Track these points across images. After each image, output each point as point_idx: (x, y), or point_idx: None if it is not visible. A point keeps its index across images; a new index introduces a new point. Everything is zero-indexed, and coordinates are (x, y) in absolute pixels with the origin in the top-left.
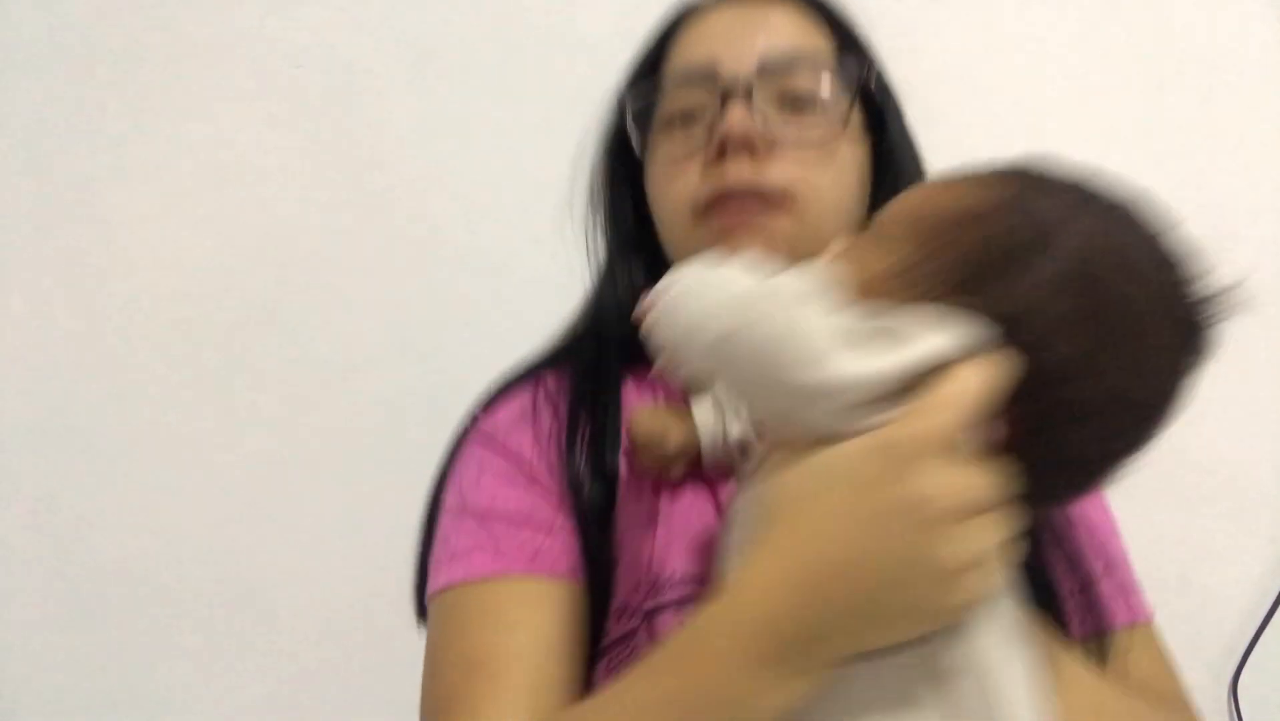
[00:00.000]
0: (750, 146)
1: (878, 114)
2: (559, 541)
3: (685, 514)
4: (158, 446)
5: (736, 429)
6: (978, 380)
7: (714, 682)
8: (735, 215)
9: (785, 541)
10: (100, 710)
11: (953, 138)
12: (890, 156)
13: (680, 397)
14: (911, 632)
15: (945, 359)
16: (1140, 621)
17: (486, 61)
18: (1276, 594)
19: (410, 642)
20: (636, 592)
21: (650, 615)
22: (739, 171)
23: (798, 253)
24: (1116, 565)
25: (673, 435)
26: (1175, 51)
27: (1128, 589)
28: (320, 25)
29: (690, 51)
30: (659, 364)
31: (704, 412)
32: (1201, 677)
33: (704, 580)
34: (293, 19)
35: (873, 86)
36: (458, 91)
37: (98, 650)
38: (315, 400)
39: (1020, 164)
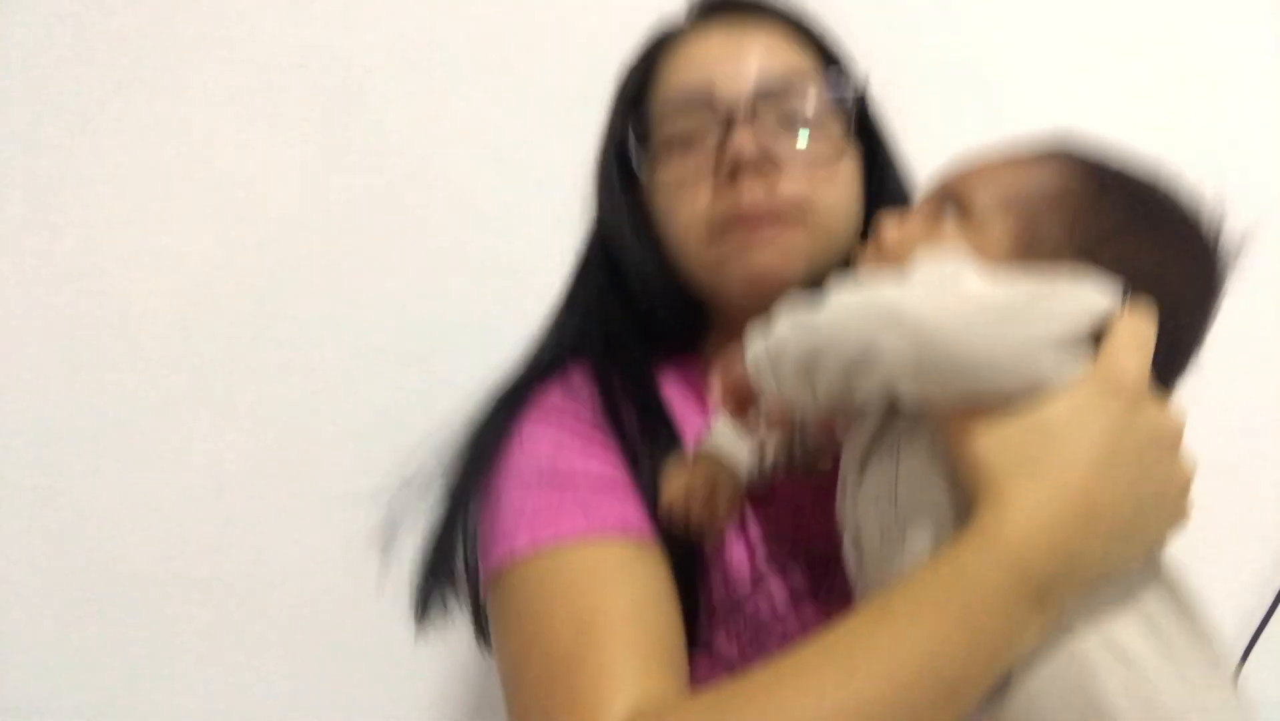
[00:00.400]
0: (761, 168)
1: (867, 126)
2: (640, 507)
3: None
4: (157, 446)
5: (771, 447)
6: (1145, 324)
7: (988, 621)
8: (753, 231)
9: (1048, 477)
10: (100, 710)
11: (952, 135)
12: (879, 165)
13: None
14: (1156, 548)
15: (1111, 309)
16: None
17: (486, 61)
18: (1276, 594)
19: (409, 642)
20: (745, 562)
21: (760, 581)
22: (753, 192)
23: (813, 263)
24: None
25: (720, 490)
26: (1175, 51)
27: None
28: (320, 25)
29: (683, 76)
30: (768, 404)
31: (733, 442)
32: None
33: (807, 541)
34: (293, 19)
35: (863, 105)
36: (458, 91)
37: (98, 650)
38: (315, 400)
39: (1059, 141)
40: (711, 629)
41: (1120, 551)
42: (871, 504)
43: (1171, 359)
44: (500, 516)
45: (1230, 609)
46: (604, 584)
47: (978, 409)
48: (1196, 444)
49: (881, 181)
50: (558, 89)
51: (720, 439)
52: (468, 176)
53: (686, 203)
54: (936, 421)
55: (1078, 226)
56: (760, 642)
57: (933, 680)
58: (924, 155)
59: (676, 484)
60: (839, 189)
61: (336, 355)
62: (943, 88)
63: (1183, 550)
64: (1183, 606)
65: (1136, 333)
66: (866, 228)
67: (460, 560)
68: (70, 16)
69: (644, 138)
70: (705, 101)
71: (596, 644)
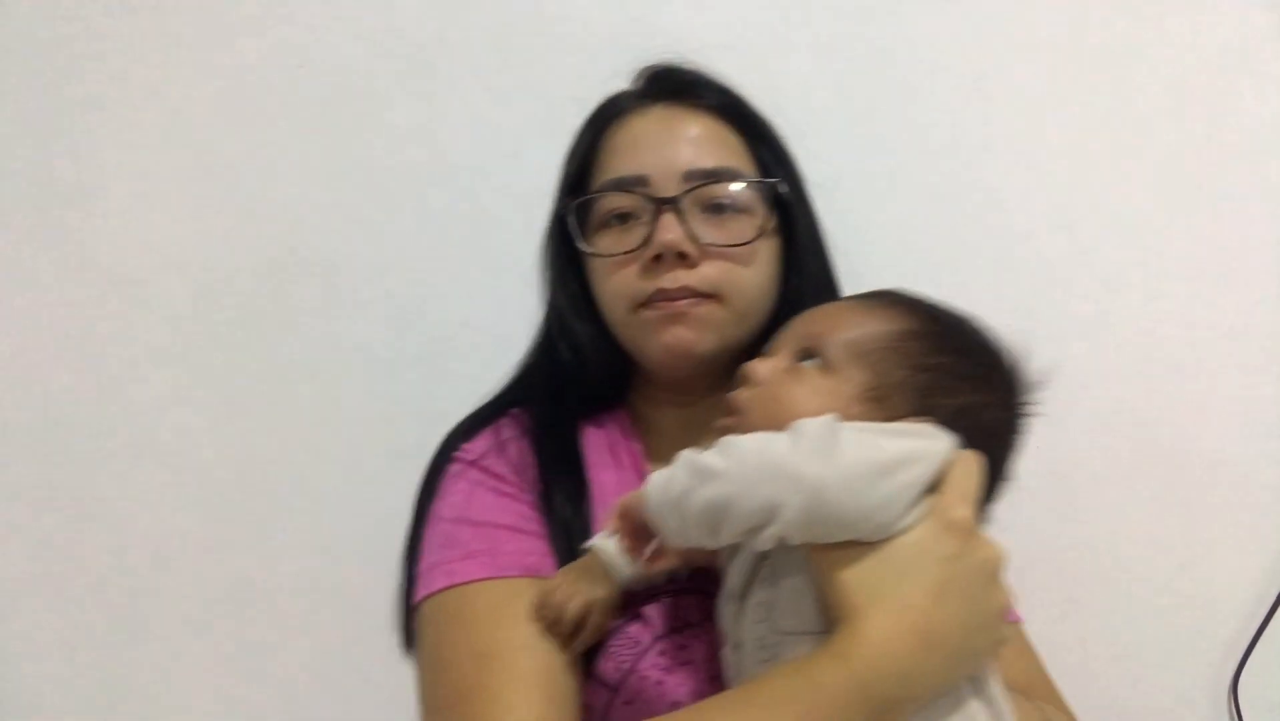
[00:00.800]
0: (682, 254)
1: (789, 211)
2: (545, 547)
3: None
4: (157, 446)
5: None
6: (974, 467)
7: None
8: (671, 304)
9: (895, 606)
10: (100, 710)
11: (952, 139)
12: (800, 247)
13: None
14: (979, 668)
15: (950, 454)
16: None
17: (486, 61)
18: (1276, 594)
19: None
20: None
21: (639, 612)
22: (674, 276)
23: (724, 339)
24: None
25: (594, 610)
26: (1175, 51)
27: None
28: (320, 25)
29: (621, 161)
30: (665, 541)
31: (617, 557)
32: (1201, 677)
33: (687, 580)
34: (293, 19)
35: (785, 193)
36: (458, 91)
37: (98, 650)
38: (315, 399)
39: (892, 291)
40: (593, 654)
41: (952, 669)
42: (753, 621)
43: (990, 483)
44: (422, 558)
45: (1230, 609)
46: (504, 620)
47: (842, 546)
48: (1196, 444)
49: (800, 260)
50: (557, 89)
51: (605, 553)
52: (468, 176)
53: (616, 277)
54: (809, 556)
55: (917, 370)
56: (636, 666)
57: None
58: (925, 155)
59: (556, 597)
60: (755, 272)
61: (336, 355)
62: (942, 87)
63: (1183, 550)
64: (996, 712)
65: (968, 476)
66: (782, 306)
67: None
68: (71, 17)
69: (585, 213)
70: (640, 185)
71: (493, 673)
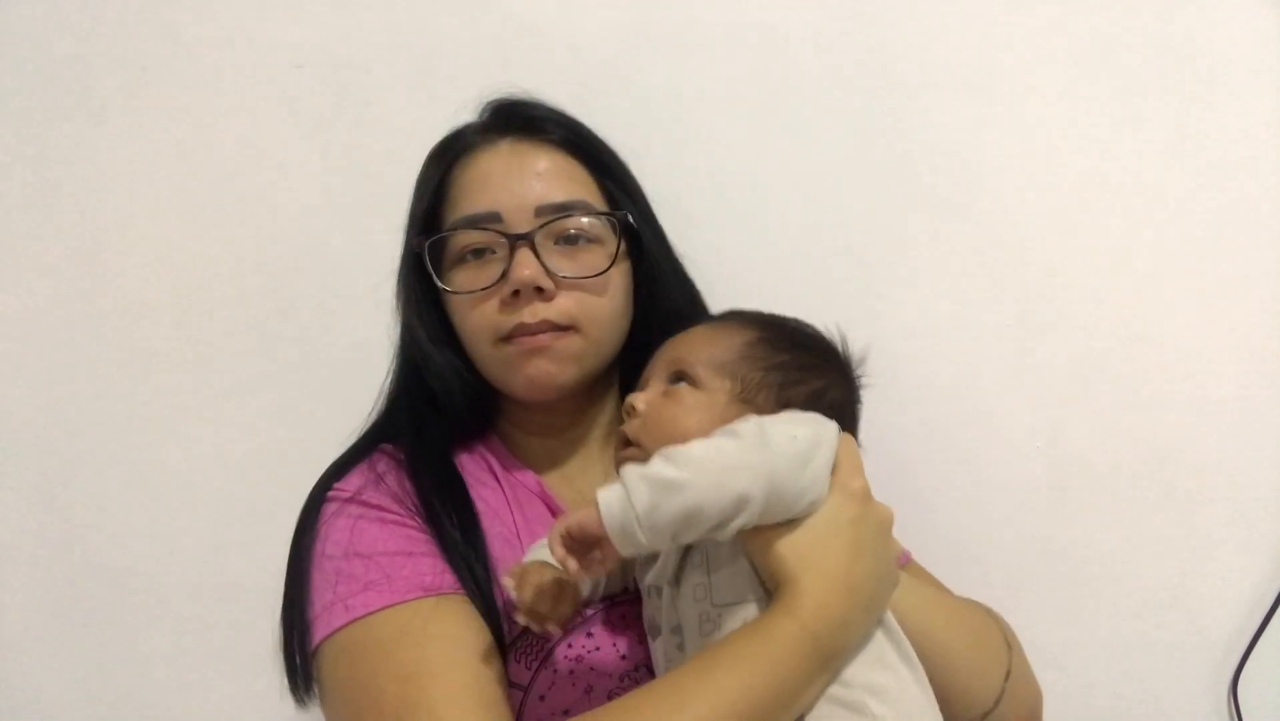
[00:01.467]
0: (540, 290)
1: (637, 237)
2: (442, 564)
3: (540, 534)
4: (158, 446)
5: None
6: (853, 445)
7: (788, 674)
8: (532, 338)
9: (824, 568)
10: (100, 710)
11: (951, 138)
12: (650, 271)
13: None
14: (885, 609)
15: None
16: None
17: (486, 61)
18: (1276, 594)
19: None
20: None
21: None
22: (532, 311)
23: (583, 368)
24: None
25: (566, 592)
26: (1175, 51)
27: None
28: (320, 25)
29: (473, 198)
30: (608, 550)
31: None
32: (1201, 677)
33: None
34: (293, 19)
35: (632, 220)
36: (458, 91)
37: (98, 650)
38: (315, 399)
39: (735, 310)
40: (504, 658)
41: (872, 613)
42: (691, 603)
43: None
44: (314, 600)
45: (1230, 609)
46: (418, 641)
47: (772, 526)
48: (1196, 444)
49: (652, 284)
50: (557, 89)
51: (545, 557)
52: None
53: (476, 312)
54: (743, 539)
55: (769, 369)
56: (550, 664)
57: (745, 716)
58: (924, 155)
59: (528, 586)
60: (609, 301)
61: (337, 355)
62: (942, 88)
63: (1183, 551)
64: (897, 640)
65: (852, 452)
66: (636, 330)
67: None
68: (71, 18)
69: (439, 250)
70: (492, 221)
71: (422, 691)
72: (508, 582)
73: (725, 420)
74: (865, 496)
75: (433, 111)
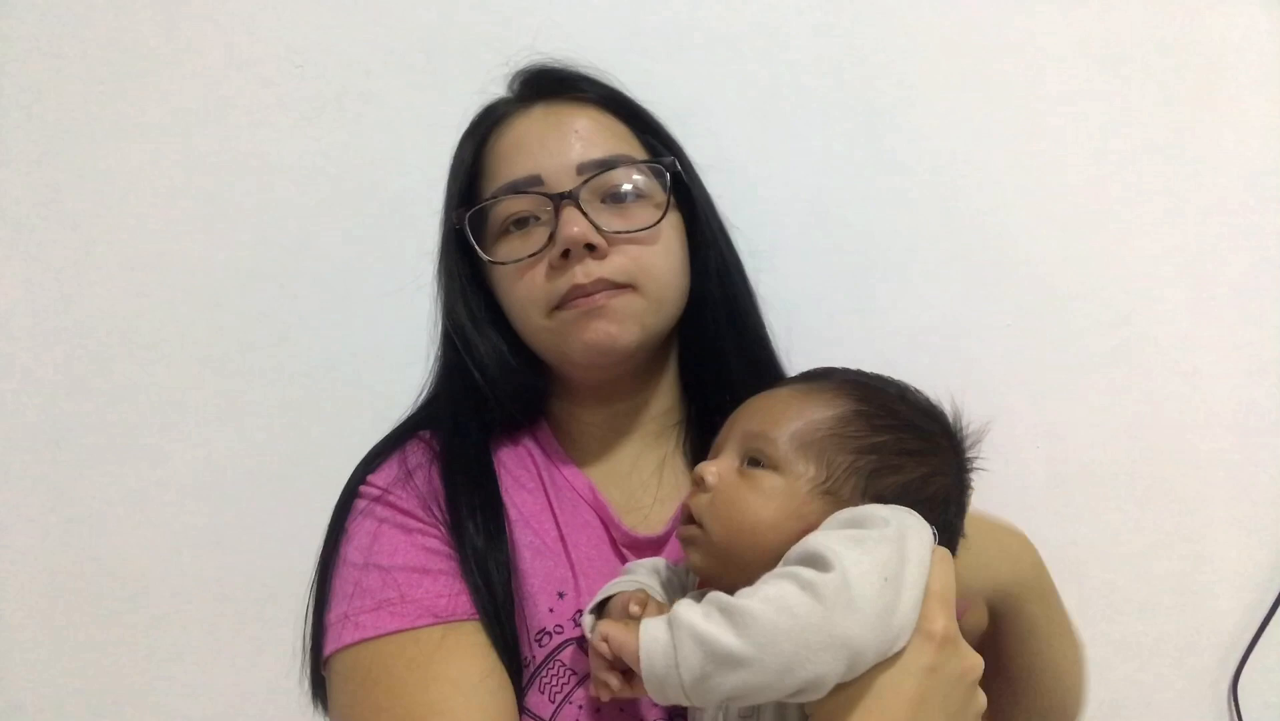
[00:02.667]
0: (590, 245)
1: (684, 191)
2: (459, 585)
3: (585, 542)
4: (157, 446)
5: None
6: (947, 570)
7: None
8: (589, 302)
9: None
10: (100, 710)
11: (951, 138)
12: (700, 224)
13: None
14: None
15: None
16: None
17: (486, 61)
18: (1276, 594)
19: None
20: (551, 617)
21: (569, 640)
22: (586, 270)
23: (646, 328)
24: None
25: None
26: (1175, 52)
27: None
28: (320, 25)
29: (512, 164)
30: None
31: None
32: (1201, 677)
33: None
34: (293, 19)
35: (679, 171)
36: (458, 91)
37: (98, 650)
38: (315, 400)
39: (825, 372)
40: (525, 688)
41: None
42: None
43: (945, 541)
44: (332, 606)
45: (1230, 609)
46: (422, 681)
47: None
48: (1196, 444)
49: (702, 236)
50: None
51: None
52: None
53: (525, 281)
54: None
55: (861, 453)
56: (573, 700)
57: None
58: (924, 154)
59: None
60: (665, 254)
61: (336, 355)
62: (942, 87)
63: (1183, 550)
64: None
65: (944, 578)
66: (696, 292)
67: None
68: (70, 18)
69: (479, 224)
70: (534, 186)
71: None
72: (596, 641)
73: (802, 516)
74: (946, 641)
75: (432, 111)
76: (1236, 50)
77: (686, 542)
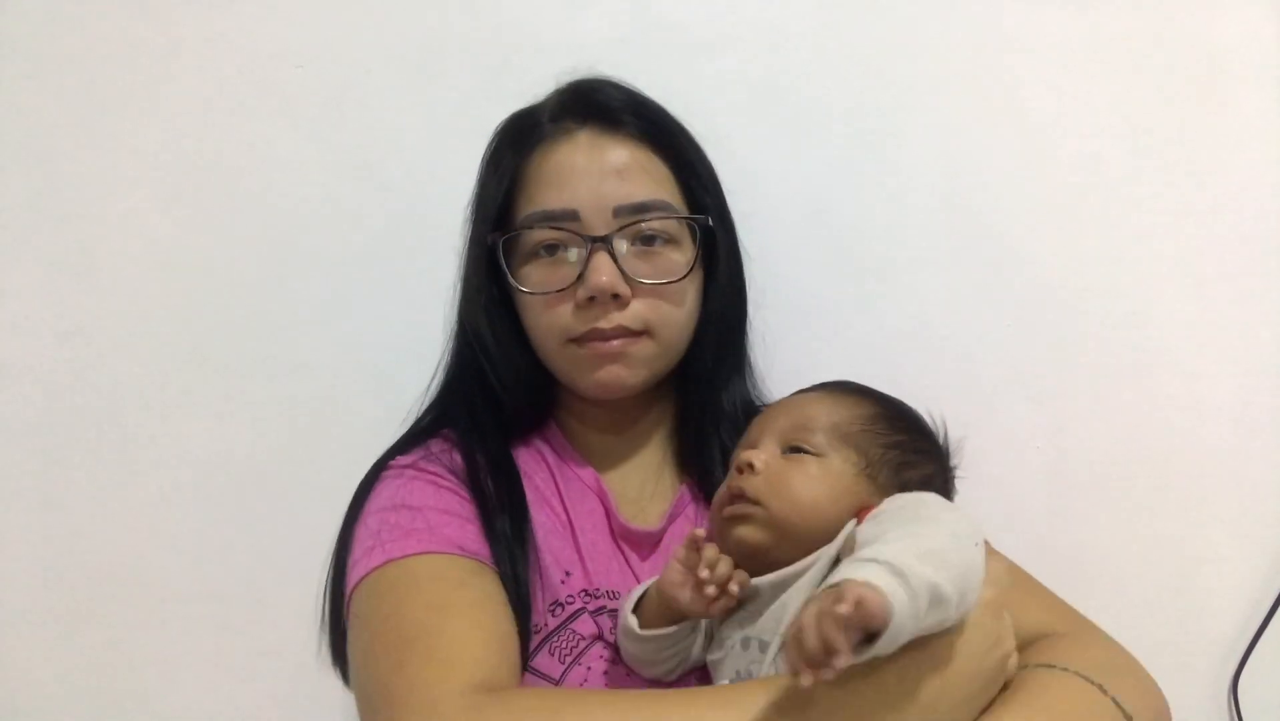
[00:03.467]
0: (616, 296)
1: (711, 238)
2: (483, 538)
3: (590, 529)
4: (157, 446)
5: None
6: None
7: None
8: (606, 344)
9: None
10: (100, 710)
11: (951, 137)
12: (718, 274)
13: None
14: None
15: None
16: None
17: (486, 61)
18: (1276, 594)
19: None
20: (564, 588)
21: (585, 610)
22: (608, 317)
23: (654, 370)
24: None
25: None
26: (1175, 52)
27: None
28: (320, 25)
29: (550, 192)
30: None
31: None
32: (1201, 677)
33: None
34: (293, 19)
35: (711, 224)
36: (458, 91)
37: (98, 650)
38: (315, 400)
39: (843, 381)
40: (536, 650)
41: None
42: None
43: None
44: (356, 546)
45: (1230, 609)
46: (450, 584)
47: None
48: (1196, 444)
49: (716, 286)
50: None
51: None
52: (467, 176)
53: (549, 314)
54: None
55: (888, 447)
56: (584, 661)
57: None
58: (924, 154)
59: (707, 552)
60: (683, 305)
61: (336, 354)
62: (942, 87)
63: (1183, 550)
64: None
65: (996, 573)
66: (700, 332)
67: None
68: (69, 17)
69: (510, 243)
70: (569, 219)
71: (445, 619)
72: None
73: (850, 493)
74: (1001, 609)
75: (433, 111)
76: (1236, 50)
77: (739, 520)
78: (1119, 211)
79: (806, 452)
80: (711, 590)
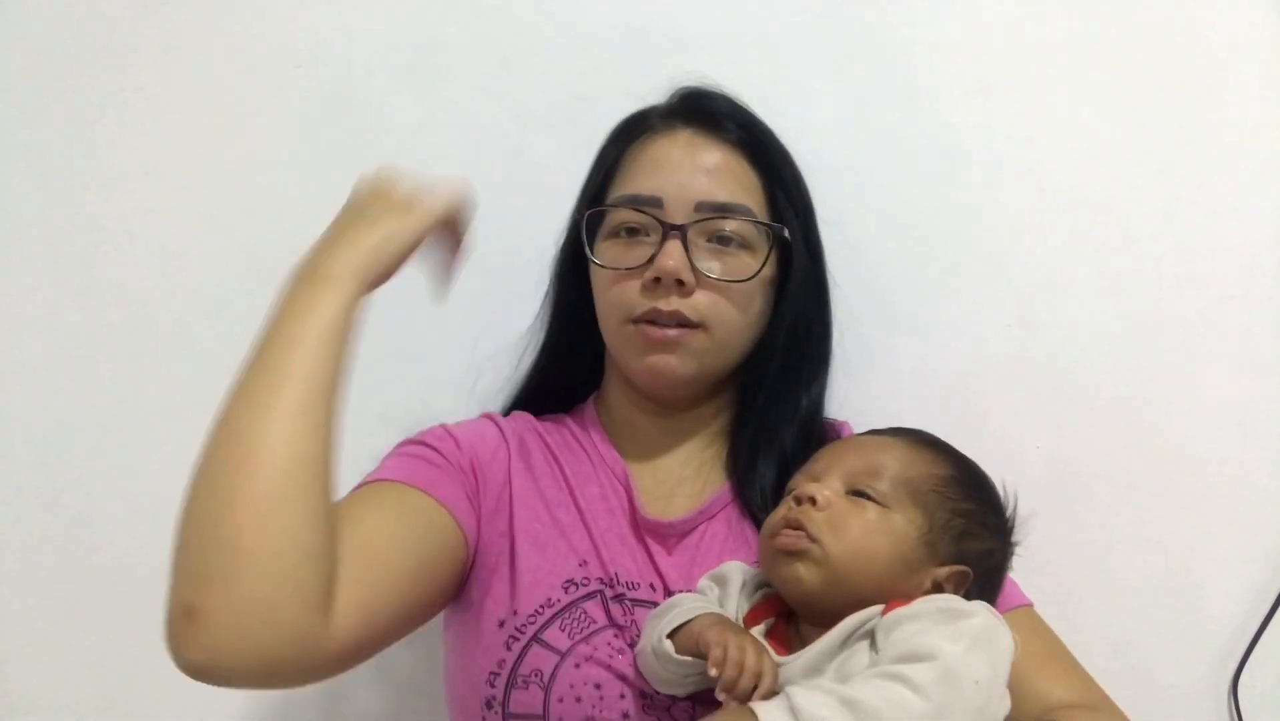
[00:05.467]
0: (680, 283)
1: (789, 255)
2: (453, 488)
3: (604, 515)
4: (158, 446)
5: None
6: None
7: None
8: (661, 331)
9: None
10: (100, 710)
11: (951, 137)
12: (794, 290)
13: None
14: None
15: None
16: (1020, 606)
17: (486, 61)
18: (1277, 594)
19: (409, 641)
20: (581, 570)
21: (602, 594)
22: (669, 302)
23: (704, 362)
24: None
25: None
26: (1175, 52)
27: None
28: (320, 25)
29: (640, 179)
30: None
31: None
32: (1201, 677)
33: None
34: (293, 19)
35: (788, 235)
36: (458, 91)
37: (98, 650)
38: None
39: (920, 432)
40: (547, 624)
41: None
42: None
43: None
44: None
45: (1230, 609)
46: (368, 505)
47: None
48: (1196, 444)
49: (790, 305)
50: (557, 89)
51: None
52: (467, 177)
53: (616, 289)
54: None
55: (955, 515)
56: (589, 639)
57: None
58: (925, 154)
59: (735, 654)
60: (743, 307)
61: None
62: (941, 86)
63: (1183, 550)
64: None
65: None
66: (767, 338)
67: None
68: (70, 17)
69: (598, 221)
70: (653, 206)
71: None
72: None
73: (904, 560)
74: None
75: (432, 111)
76: (1236, 50)
77: (794, 555)
78: (1119, 211)
79: (871, 499)
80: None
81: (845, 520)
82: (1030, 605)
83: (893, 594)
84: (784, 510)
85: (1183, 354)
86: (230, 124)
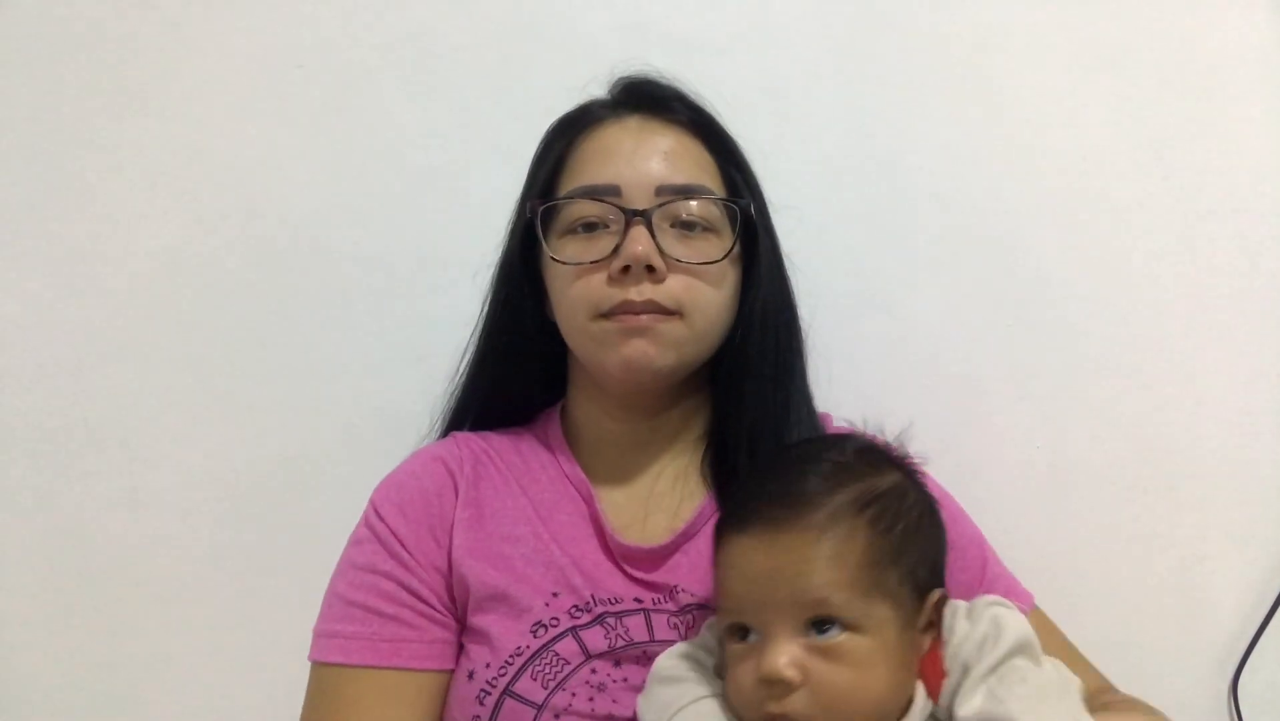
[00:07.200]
0: (651, 268)
1: (752, 231)
2: (427, 634)
3: (572, 541)
4: (157, 445)
5: None
6: None
7: None
8: (634, 321)
9: None
10: (100, 710)
11: (951, 137)
12: (759, 270)
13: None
14: None
15: None
16: (1027, 610)
17: (486, 61)
18: (1277, 594)
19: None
20: (547, 610)
21: (573, 629)
22: (640, 290)
23: (683, 354)
24: (991, 569)
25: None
26: (1175, 52)
27: (1009, 588)
28: (320, 25)
29: (594, 169)
30: None
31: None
32: (1201, 677)
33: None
34: (293, 19)
35: (753, 215)
36: (458, 92)
37: (98, 650)
38: (315, 398)
39: (797, 497)
40: (518, 675)
41: None
42: None
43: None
44: (322, 613)
45: (1230, 609)
46: (374, 707)
47: None
48: (1196, 444)
49: (759, 284)
50: (557, 89)
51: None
52: (467, 176)
53: (579, 285)
54: None
55: (895, 564)
56: (564, 684)
57: None
58: (923, 154)
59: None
60: (716, 292)
61: (336, 355)
62: (941, 86)
63: (1183, 550)
64: None
65: None
66: (738, 327)
67: None
68: (70, 17)
69: (550, 219)
70: (610, 196)
71: None
72: None
73: (906, 664)
74: None
75: (433, 112)
76: (1236, 50)
77: None
78: (1119, 211)
79: (841, 626)
80: None
81: (832, 683)
82: (1035, 605)
83: (904, 688)
84: (756, 695)
85: (1183, 354)
86: (230, 124)
